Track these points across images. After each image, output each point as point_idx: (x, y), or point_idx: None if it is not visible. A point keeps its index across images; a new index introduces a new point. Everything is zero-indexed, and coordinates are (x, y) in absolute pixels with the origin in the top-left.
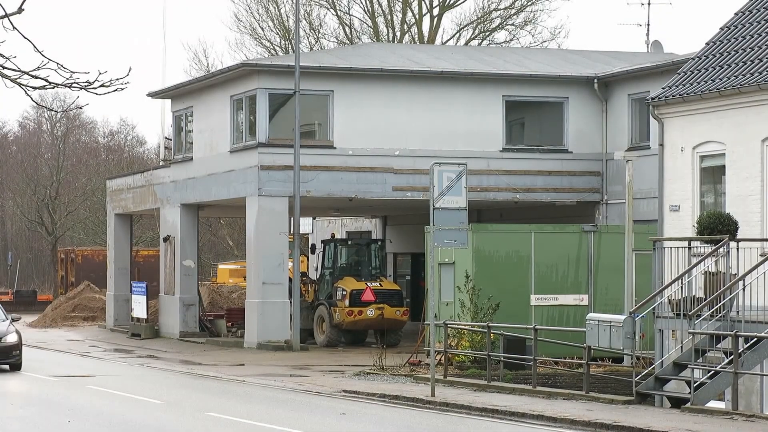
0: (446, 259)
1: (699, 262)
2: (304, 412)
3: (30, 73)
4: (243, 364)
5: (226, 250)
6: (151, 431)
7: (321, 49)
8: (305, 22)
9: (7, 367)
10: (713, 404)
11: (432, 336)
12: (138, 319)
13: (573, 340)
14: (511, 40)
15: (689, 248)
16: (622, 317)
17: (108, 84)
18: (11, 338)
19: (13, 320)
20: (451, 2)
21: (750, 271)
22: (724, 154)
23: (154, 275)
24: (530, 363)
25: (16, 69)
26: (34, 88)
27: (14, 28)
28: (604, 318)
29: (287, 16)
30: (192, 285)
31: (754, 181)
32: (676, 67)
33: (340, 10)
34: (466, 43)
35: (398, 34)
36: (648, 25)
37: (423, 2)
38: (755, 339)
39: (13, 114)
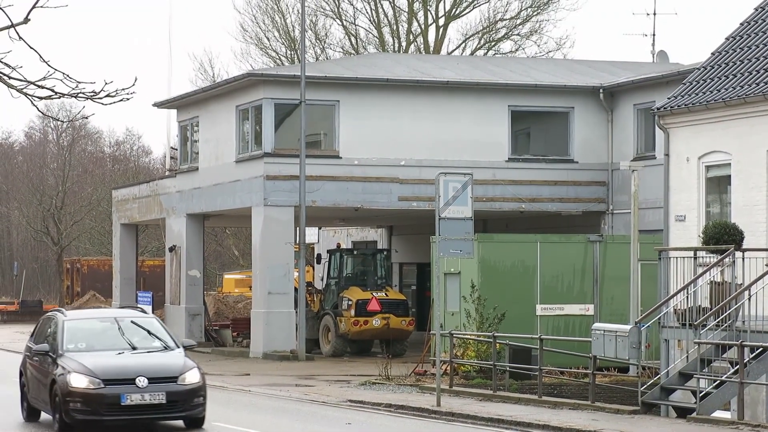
0: (452, 269)
1: (705, 272)
2: (309, 422)
3: (36, 83)
4: (248, 374)
5: (232, 260)
6: None
7: (327, 59)
8: (311, 33)
9: (181, 423)
10: (719, 414)
11: (437, 346)
12: None
13: (578, 350)
14: (517, 50)
15: (695, 258)
16: (627, 327)
17: (114, 94)
18: (192, 377)
19: (186, 348)
20: (457, 12)
21: (756, 281)
22: (729, 164)
23: (160, 285)
24: (536, 373)
25: (22, 79)
26: (40, 98)
27: (20, 38)
28: (609, 328)
29: (293, 27)
30: (197, 295)
31: (759, 191)
32: (682, 77)
33: (345, 20)
34: (472, 53)
35: (404, 44)
36: (653, 35)
37: (429, 12)
38: (761, 349)
39: (19, 124)
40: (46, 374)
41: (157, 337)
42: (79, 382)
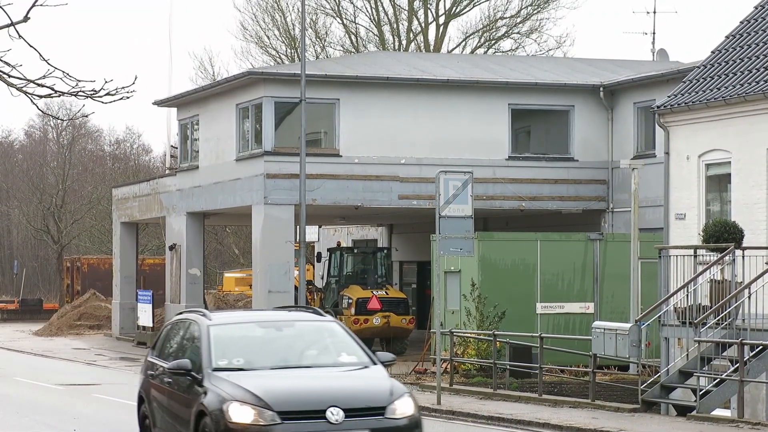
0: (452, 268)
1: (705, 270)
2: None
3: (36, 81)
4: None
5: (232, 259)
6: None
7: (327, 57)
8: (311, 31)
9: None
10: (719, 412)
11: (438, 344)
12: (144, 328)
13: (579, 348)
14: (517, 48)
15: (695, 256)
16: (627, 325)
17: (114, 92)
18: (404, 407)
19: (386, 365)
20: (457, 11)
21: (755, 279)
22: (729, 163)
23: (160, 284)
24: (536, 371)
25: (22, 77)
26: (40, 96)
27: (20, 36)
28: (609, 326)
29: (293, 25)
30: (198, 293)
31: (759, 189)
32: (682, 76)
33: (346, 18)
34: (472, 52)
35: (404, 42)
36: (653, 33)
37: (429, 11)
38: (761, 347)
39: (18, 122)
40: (188, 403)
41: (344, 350)
42: (243, 415)
